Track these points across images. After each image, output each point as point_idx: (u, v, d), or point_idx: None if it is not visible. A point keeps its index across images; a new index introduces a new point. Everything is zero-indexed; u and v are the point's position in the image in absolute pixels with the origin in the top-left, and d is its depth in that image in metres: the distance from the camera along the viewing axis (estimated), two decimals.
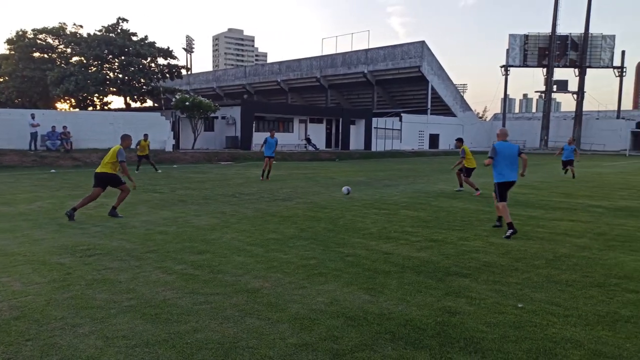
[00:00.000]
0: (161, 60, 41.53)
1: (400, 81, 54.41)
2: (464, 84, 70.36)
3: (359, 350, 3.47)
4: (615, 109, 63.92)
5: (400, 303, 4.45)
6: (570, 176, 18.52)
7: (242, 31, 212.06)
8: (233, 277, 5.20)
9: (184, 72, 45.33)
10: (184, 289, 4.77)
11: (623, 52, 58.91)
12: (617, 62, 58.07)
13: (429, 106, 52.53)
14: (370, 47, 55.32)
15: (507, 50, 58.00)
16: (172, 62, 42.07)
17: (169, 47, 41.35)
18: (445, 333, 3.79)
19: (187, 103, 30.82)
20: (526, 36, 57.57)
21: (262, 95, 68.75)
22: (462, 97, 59.24)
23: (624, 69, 58.50)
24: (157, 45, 40.49)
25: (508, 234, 7.36)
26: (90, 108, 40.03)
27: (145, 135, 19.84)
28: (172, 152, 27.87)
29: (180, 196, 11.93)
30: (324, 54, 59.66)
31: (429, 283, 5.06)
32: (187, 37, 67.66)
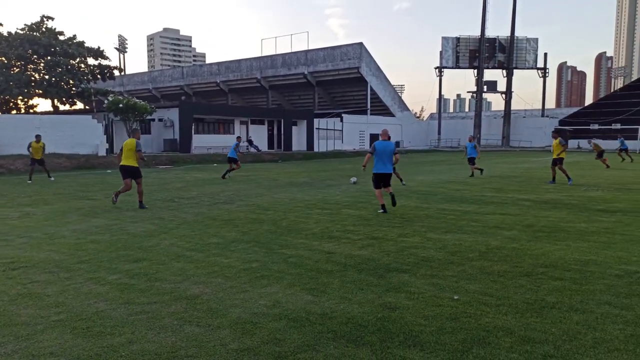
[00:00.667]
0: (91, 61, 39.63)
1: (340, 82, 55.10)
2: (401, 85, 72.31)
3: (301, 352, 3.47)
4: (540, 107, 68.18)
5: (342, 301, 4.50)
6: (478, 174, 18.25)
7: (178, 31, 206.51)
8: (171, 284, 5.04)
9: (116, 72, 43.42)
10: (118, 300, 4.56)
11: (545, 55, 62.97)
12: (540, 63, 61.99)
13: (369, 106, 53.57)
14: (310, 48, 55.65)
15: (441, 52, 60.28)
16: (104, 62, 40.26)
17: (99, 47, 39.55)
18: (385, 328, 3.86)
19: (120, 105, 29.55)
20: (458, 39, 60.09)
21: (201, 97, 67.25)
22: (400, 97, 60.88)
23: (547, 70, 62.50)
24: (86, 44, 38.57)
25: (380, 210, 9.60)
26: (14, 112, 37.44)
27: (38, 137, 17.10)
28: (106, 157, 26.64)
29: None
30: (263, 54, 59.33)
31: (370, 280, 5.15)
32: (120, 36, 64.78)
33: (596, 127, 53.58)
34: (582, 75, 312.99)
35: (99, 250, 6.56)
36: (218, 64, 63.86)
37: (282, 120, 41.14)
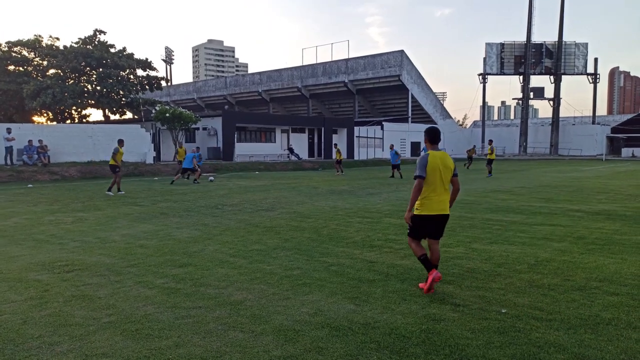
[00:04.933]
0: (140, 72, 41.13)
1: (381, 90, 54.91)
2: (443, 92, 71.64)
3: None
4: (591, 114, 65.44)
5: (385, 312, 4.44)
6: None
7: (222, 42, 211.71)
8: (216, 289, 5.12)
9: (163, 83, 44.92)
10: (165, 304, 4.68)
11: (596, 60, 60.46)
12: (590, 69, 59.55)
13: (410, 114, 53.07)
14: (350, 56, 55.84)
15: (484, 59, 59.02)
16: (152, 73, 41.69)
17: (147, 59, 41.05)
18: (430, 341, 3.78)
19: (167, 114, 30.55)
20: (502, 45, 58.69)
21: (243, 106, 68.63)
22: (442, 105, 60.03)
23: (598, 76, 60.00)
24: (135, 56, 40.14)
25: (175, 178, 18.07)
26: (69, 121, 39.37)
27: (121, 141, 15.64)
28: (153, 164, 27.55)
29: (162, 209, 11.77)
30: (304, 64, 59.95)
31: (413, 291, 5.06)
32: (166, 48, 67.46)
33: None
34: (636, 80, 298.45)
35: (147, 254, 6.77)
36: (260, 73, 65.05)
37: (323, 129, 41.34)
